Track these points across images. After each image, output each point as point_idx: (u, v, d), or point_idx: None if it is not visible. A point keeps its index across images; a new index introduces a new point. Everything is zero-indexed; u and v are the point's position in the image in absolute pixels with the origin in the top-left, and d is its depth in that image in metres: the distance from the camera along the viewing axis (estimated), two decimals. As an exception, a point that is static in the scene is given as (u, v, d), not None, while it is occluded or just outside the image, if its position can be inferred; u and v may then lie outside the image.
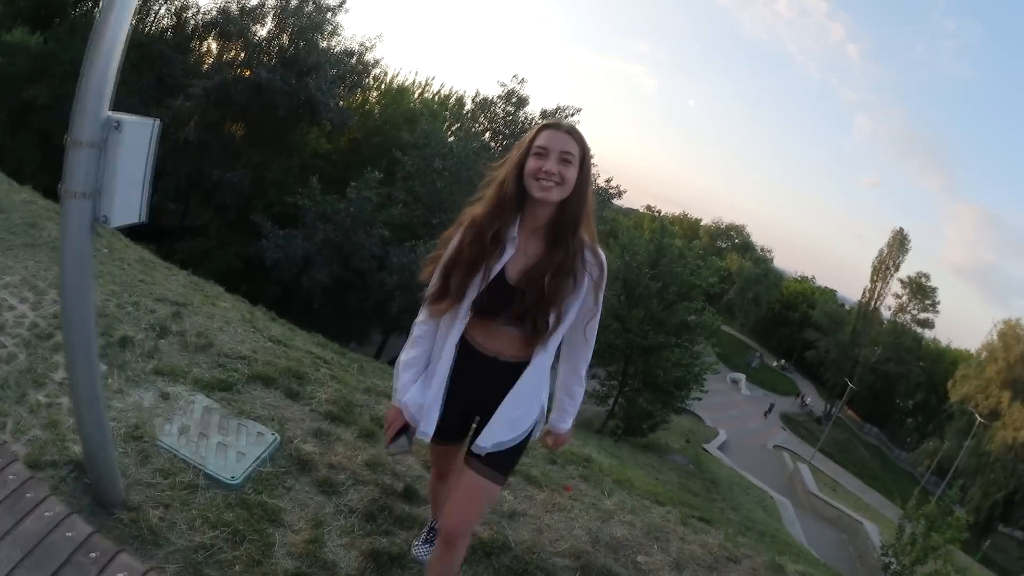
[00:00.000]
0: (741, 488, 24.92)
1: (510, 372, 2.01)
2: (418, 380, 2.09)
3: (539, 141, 1.88)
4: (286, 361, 4.40)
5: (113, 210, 1.96)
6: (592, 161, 2.00)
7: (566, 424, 2.28)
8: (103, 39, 1.76)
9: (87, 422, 2.20)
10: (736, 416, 43.67)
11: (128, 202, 2.02)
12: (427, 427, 2.04)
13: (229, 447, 3.02)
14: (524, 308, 1.91)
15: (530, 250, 1.96)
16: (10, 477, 2.34)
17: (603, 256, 2.01)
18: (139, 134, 1.99)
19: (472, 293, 1.94)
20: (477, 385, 2.07)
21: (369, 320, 27.16)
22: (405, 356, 2.12)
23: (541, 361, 2.01)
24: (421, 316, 2.12)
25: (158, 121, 2.07)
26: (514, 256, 1.95)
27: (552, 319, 1.93)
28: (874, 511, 32.27)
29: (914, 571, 16.70)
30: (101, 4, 1.75)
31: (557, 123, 1.93)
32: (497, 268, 1.93)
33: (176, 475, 2.70)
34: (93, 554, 2.04)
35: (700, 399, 29.22)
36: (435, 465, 2.48)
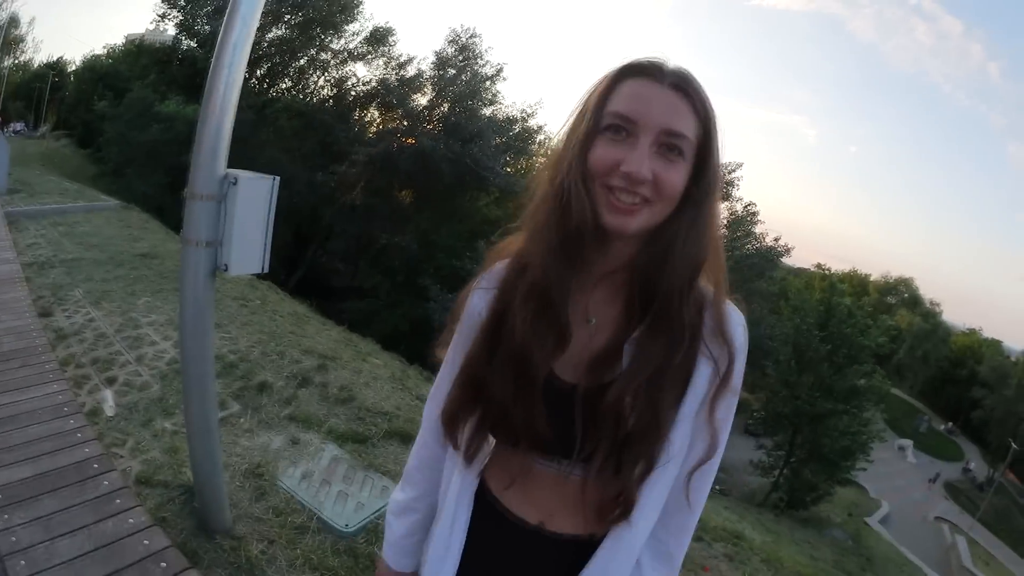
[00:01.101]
0: (896, 565, 23.42)
1: (566, 556, 1.01)
2: (416, 535, 1.21)
3: (616, 104, 0.87)
4: (429, 421, 4.45)
5: (232, 259, 2.15)
6: (720, 139, 0.90)
7: None
8: (214, 100, 1.96)
9: (199, 452, 2.38)
10: (900, 486, 41.06)
11: (247, 252, 2.21)
12: None
13: (350, 496, 3.09)
14: (592, 432, 0.91)
15: (599, 316, 0.97)
16: (104, 483, 2.57)
17: (737, 320, 0.95)
18: (256, 189, 2.18)
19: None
20: (505, 571, 1.05)
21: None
22: (400, 495, 1.23)
23: (624, 541, 0.97)
24: (421, 436, 1.20)
25: (276, 179, 2.26)
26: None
27: (641, 462, 0.91)
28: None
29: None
30: (210, 67, 1.93)
31: (654, 67, 0.88)
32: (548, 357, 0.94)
33: (289, 515, 2.80)
34: (163, 564, 2.16)
35: (865, 469, 27.55)
36: None
